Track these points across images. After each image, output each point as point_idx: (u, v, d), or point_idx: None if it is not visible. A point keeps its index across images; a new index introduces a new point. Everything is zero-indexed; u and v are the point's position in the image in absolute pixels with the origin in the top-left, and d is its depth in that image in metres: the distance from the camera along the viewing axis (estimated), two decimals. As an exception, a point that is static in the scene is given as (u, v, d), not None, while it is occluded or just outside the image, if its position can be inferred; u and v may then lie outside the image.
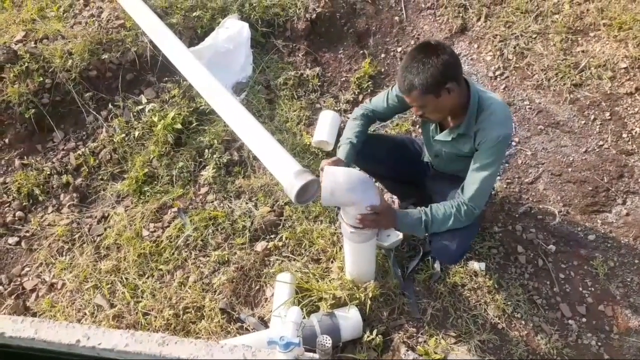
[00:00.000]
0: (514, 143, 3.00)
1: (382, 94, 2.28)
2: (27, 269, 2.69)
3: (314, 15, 3.51)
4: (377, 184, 2.64)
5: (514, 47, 3.38)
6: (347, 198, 1.89)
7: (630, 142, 2.91)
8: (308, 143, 3.03)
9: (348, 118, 3.19)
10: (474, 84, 1.97)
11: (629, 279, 2.45)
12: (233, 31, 3.28)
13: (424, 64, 1.80)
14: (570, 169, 2.85)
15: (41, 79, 3.08)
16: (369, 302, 2.26)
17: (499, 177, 2.83)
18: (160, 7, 3.37)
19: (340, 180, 1.88)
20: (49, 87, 3.11)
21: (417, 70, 1.81)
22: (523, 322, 2.32)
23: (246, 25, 3.35)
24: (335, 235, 2.58)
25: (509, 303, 2.35)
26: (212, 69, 2.68)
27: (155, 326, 2.34)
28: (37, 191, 2.91)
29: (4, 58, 3.08)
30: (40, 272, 2.66)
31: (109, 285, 2.54)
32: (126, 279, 2.55)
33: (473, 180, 2.00)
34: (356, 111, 2.32)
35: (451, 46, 3.34)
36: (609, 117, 3.02)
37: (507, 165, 2.92)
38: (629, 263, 2.51)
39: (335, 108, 3.26)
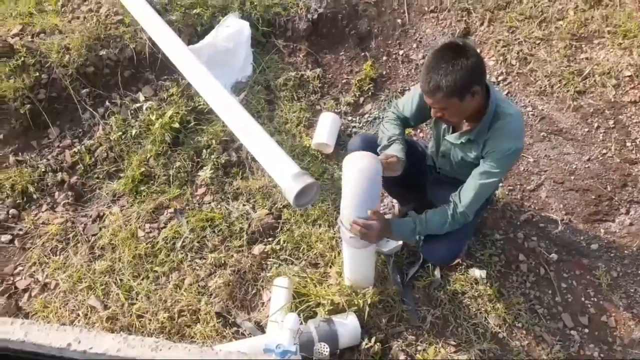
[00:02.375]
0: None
1: (407, 97, 2.20)
2: (20, 268, 2.63)
3: (315, 16, 3.47)
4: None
5: (517, 53, 3.35)
6: (352, 169, 1.87)
7: (634, 151, 2.87)
8: (308, 145, 2.99)
9: (348, 120, 3.18)
10: (494, 90, 1.92)
11: (632, 290, 2.42)
12: (233, 30, 3.24)
13: (453, 65, 1.72)
14: (573, 177, 2.81)
15: (37, 74, 3.03)
16: (367, 308, 2.22)
17: (500, 185, 2.80)
18: (159, 4, 3.32)
19: (363, 162, 1.86)
20: (45, 83, 3.05)
21: (445, 72, 1.72)
22: (524, 331, 2.28)
23: (247, 24, 3.30)
24: (334, 239, 2.54)
25: (510, 312, 2.31)
26: (212, 68, 2.63)
27: (150, 329, 2.29)
28: (31, 189, 2.85)
29: (0, 52, 3.03)
30: (34, 272, 2.60)
31: (103, 287, 2.49)
32: (121, 280, 2.50)
33: (472, 186, 1.95)
34: (389, 115, 2.24)
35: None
36: (613, 126, 2.99)
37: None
38: (632, 274, 2.47)
39: (336, 110, 3.21)
